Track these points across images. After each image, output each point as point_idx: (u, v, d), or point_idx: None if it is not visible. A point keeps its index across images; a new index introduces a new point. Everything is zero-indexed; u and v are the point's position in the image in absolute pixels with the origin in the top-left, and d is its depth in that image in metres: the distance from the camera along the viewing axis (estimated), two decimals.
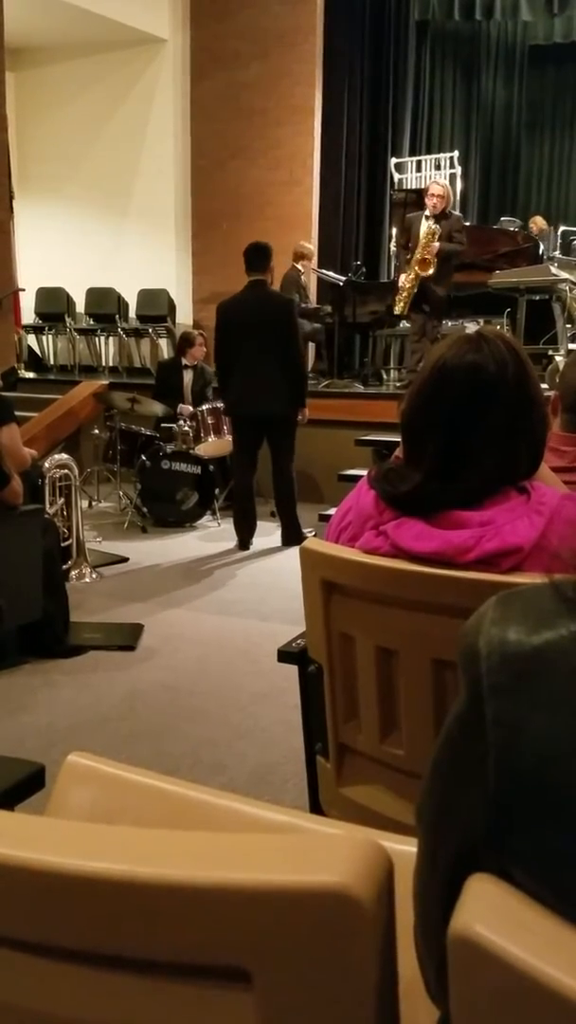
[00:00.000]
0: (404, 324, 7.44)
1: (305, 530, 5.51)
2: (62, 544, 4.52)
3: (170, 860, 0.60)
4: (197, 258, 9.56)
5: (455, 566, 1.33)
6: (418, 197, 7.50)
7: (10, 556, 3.44)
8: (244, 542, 5.64)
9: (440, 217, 6.76)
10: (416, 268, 6.76)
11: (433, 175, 9.10)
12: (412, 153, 9.96)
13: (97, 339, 9.90)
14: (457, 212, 7.28)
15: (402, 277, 6.97)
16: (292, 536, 5.51)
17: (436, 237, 6.70)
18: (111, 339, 9.86)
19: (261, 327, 5.26)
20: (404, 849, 0.82)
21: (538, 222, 9.22)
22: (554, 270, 7.03)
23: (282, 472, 5.54)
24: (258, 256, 5.38)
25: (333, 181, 9.38)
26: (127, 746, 2.91)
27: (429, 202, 6.77)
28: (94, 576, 4.82)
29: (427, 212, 6.76)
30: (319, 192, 9.17)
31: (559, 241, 9.35)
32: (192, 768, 2.76)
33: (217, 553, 5.53)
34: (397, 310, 7.06)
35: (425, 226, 6.71)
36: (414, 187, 8.95)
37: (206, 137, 9.37)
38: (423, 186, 8.13)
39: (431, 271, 6.71)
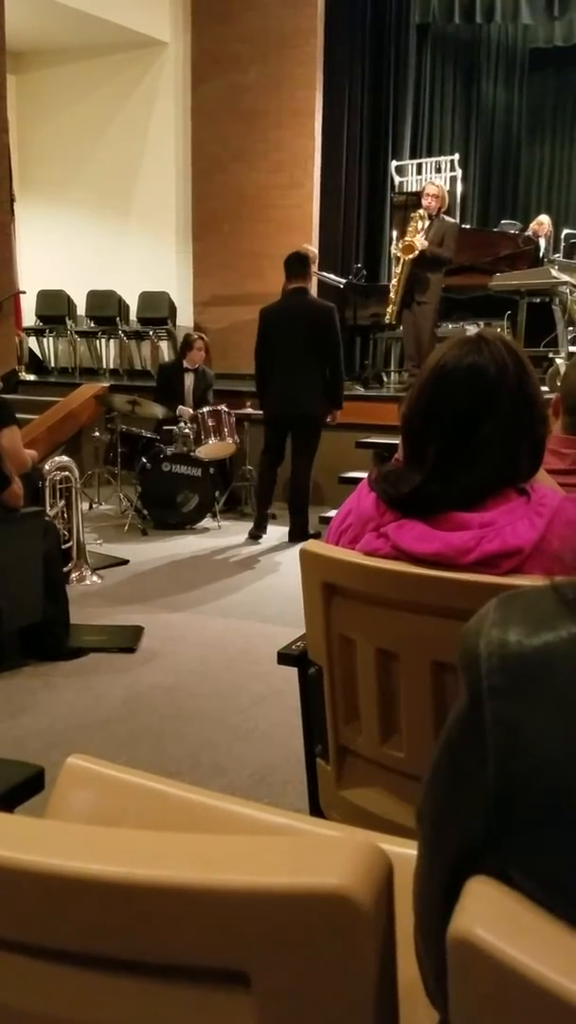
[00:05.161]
0: (402, 328, 7.52)
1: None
2: (62, 546, 4.52)
3: (169, 863, 0.60)
4: (198, 261, 9.55)
5: (456, 567, 1.33)
6: (418, 200, 7.55)
7: (10, 558, 3.44)
8: (257, 534, 5.80)
9: (434, 218, 7.04)
10: (400, 253, 7.11)
11: (433, 178, 9.10)
12: (412, 156, 9.95)
13: (98, 341, 9.90)
14: (452, 219, 7.35)
15: (391, 284, 7.26)
16: (297, 532, 5.65)
17: (424, 229, 6.97)
18: (112, 341, 9.86)
19: (303, 333, 5.48)
20: (404, 852, 0.82)
21: (542, 223, 8.95)
22: (555, 272, 7.02)
23: (300, 470, 5.70)
24: (299, 264, 5.62)
25: (334, 184, 9.37)
26: (127, 748, 2.91)
27: (424, 202, 7.12)
28: (94, 578, 4.82)
29: (421, 212, 7.09)
30: (320, 195, 9.17)
31: (562, 244, 9.31)
32: (192, 770, 2.76)
33: (217, 555, 5.53)
34: (387, 319, 7.42)
35: (416, 219, 7.11)
36: (414, 190, 8.91)
37: (207, 140, 9.38)
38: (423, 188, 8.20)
39: (414, 255, 6.95)
